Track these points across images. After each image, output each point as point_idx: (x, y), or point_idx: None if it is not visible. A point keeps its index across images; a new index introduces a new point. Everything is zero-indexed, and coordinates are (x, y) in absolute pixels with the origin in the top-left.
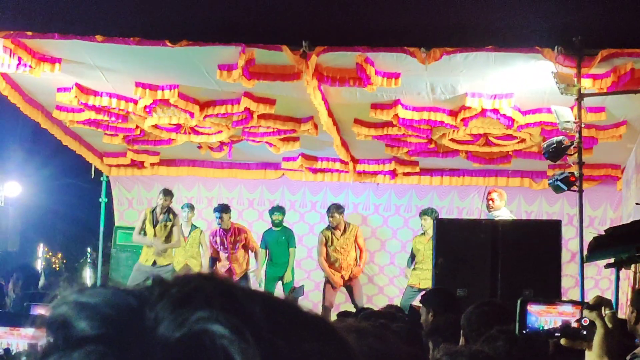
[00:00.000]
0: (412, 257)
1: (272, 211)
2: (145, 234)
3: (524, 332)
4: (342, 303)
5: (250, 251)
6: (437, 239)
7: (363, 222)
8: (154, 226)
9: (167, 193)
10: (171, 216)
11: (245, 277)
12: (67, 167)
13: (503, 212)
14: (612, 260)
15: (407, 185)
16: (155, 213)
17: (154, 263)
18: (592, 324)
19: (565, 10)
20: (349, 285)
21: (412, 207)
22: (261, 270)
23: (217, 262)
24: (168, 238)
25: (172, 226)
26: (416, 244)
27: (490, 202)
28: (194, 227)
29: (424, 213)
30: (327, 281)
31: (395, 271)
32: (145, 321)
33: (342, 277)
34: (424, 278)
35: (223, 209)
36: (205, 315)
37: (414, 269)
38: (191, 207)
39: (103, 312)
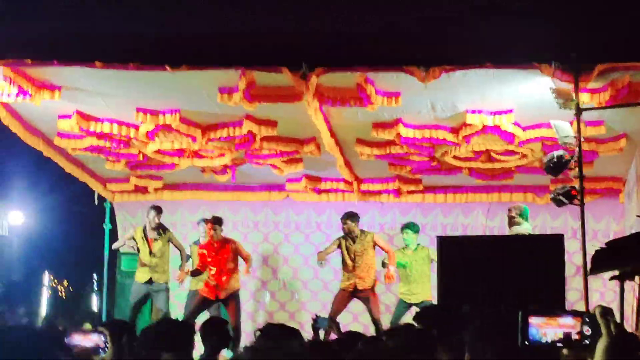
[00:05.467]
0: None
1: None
2: (139, 251)
3: (526, 344)
4: (360, 313)
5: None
6: (441, 256)
7: None
8: (147, 243)
9: (157, 210)
10: (161, 231)
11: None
12: (71, 195)
13: (524, 228)
14: (616, 272)
15: (411, 203)
16: (146, 231)
17: (150, 281)
18: (594, 333)
19: (561, 26)
20: (365, 297)
21: (418, 225)
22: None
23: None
24: (162, 254)
25: (168, 241)
26: (401, 259)
27: (510, 218)
28: None
29: (406, 227)
30: (341, 289)
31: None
32: None
33: (354, 285)
34: (416, 292)
35: (217, 220)
36: None
37: (403, 286)
38: (206, 221)
39: None
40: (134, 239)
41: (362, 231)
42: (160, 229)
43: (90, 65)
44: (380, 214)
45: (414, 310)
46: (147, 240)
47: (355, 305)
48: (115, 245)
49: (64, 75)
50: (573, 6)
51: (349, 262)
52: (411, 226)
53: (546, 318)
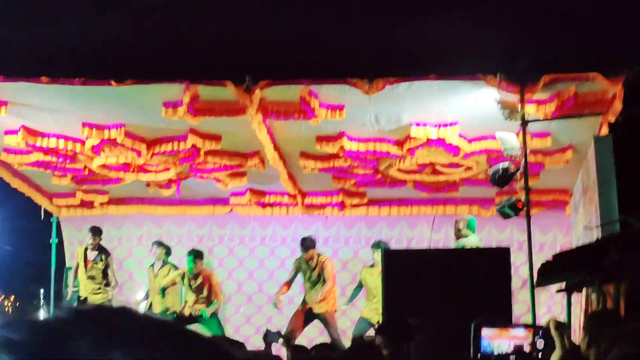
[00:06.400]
0: (359, 286)
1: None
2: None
3: (478, 356)
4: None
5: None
6: (386, 269)
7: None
8: (85, 266)
9: (95, 231)
10: (103, 256)
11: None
12: (18, 210)
13: (471, 240)
14: (563, 285)
15: (355, 217)
16: (86, 252)
17: (85, 301)
18: (547, 346)
19: (507, 37)
20: (323, 317)
21: (362, 238)
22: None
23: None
24: (102, 277)
25: (105, 267)
26: (366, 277)
27: (457, 230)
28: (165, 263)
29: (376, 246)
30: (301, 307)
31: (345, 302)
32: (68, 356)
33: (310, 307)
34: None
35: (198, 254)
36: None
37: (367, 301)
38: (159, 244)
39: (28, 348)
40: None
41: (318, 254)
42: (102, 252)
43: (36, 81)
44: (325, 228)
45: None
46: (85, 260)
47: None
48: (70, 281)
49: (10, 90)
50: (518, 16)
51: (307, 284)
52: (381, 245)
53: (498, 329)
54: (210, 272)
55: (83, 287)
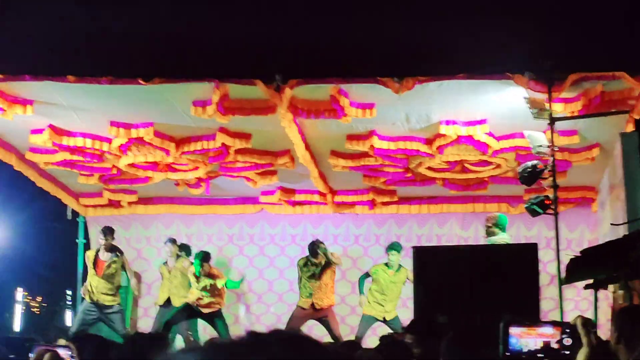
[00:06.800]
0: (367, 275)
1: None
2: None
3: (507, 354)
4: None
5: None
6: (416, 267)
7: (344, 253)
8: (95, 267)
9: (106, 232)
10: (117, 255)
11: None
12: (45, 210)
13: (500, 238)
14: (590, 281)
15: (386, 215)
16: (98, 254)
17: (97, 302)
18: (574, 344)
19: (534, 36)
20: (324, 316)
21: (392, 236)
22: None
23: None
24: (114, 277)
25: (121, 266)
26: (378, 274)
27: (487, 228)
28: (178, 256)
29: (391, 248)
30: (299, 307)
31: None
32: None
33: (312, 303)
34: (389, 310)
35: (205, 257)
36: None
37: (371, 297)
38: (173, 241)
39: None
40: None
41: (325, 253)
42: (116, 251)
43: (62, 80)
44: (355, 226)
45: (379, 325)
46: (96, 262)
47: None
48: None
49: (37, 89)
50: (545, 16)
51: (309, 282)
52: (396, 246)
53: (526, 328)
54: (219, 272)
55: (95, 289)
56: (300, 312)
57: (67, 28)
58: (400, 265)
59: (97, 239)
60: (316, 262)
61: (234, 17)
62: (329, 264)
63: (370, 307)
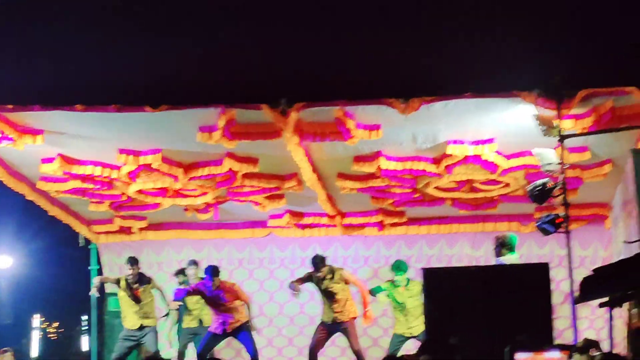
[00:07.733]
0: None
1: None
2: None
3: None
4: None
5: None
6: (427, 288)
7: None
8: (133, 294)
9: (131, 262)
10: (145, 281)
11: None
12: (58, 237)
13: (508, 258)
14: (605, 299)
15: (395, 236)
16: (129, 282)
17: (141, 327)
18: None
19: (542, 53)
20: (344, 329)
21: (402, 258)
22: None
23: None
24: (149, 300)
25: (151, 288)
26: (396, 295)
27: (495, 248)
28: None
29: (395, 268)
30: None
31: (388, 322)
32: None
33: (334, 318)
34: (414, 325)
35: (215, 271)
36: None
37: (397, 317)
38: (195, 264)
39: None
40: (118, 284)
41: (330, 267)
42: (143, 279)
43: (71, 109)
44: (364, 248)
45: (411, 342)
46: (131, 289)
47: (341, 338)
48: (94, 282)
49: (46, 119)
50: (553, 32)
51: (325, 298)
52: (401, 266)
53: (533, 353)
54: (232, 283)
55: (132, 315)
56: (322, 326)
57: (75, 57)
58: (408, 279)
59: (110, 266)
60: (320, 276)
61: (238, 42)
62: (333, 276)
63: (399, 325)
